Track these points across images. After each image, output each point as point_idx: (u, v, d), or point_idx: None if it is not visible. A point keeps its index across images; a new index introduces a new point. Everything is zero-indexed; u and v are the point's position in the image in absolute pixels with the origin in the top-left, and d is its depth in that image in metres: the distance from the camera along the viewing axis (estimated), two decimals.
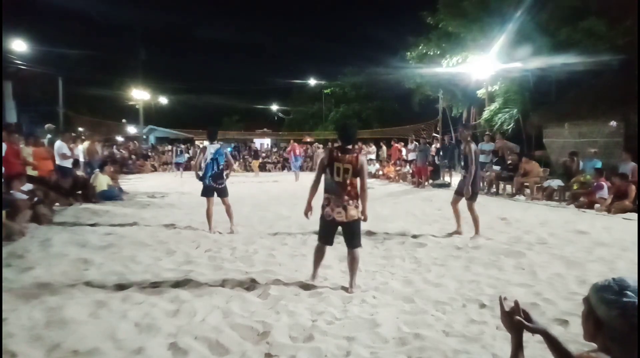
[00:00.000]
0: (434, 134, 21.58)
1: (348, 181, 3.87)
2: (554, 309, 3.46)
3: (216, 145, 6.48)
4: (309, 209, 4.07)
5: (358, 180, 3.93)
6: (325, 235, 4.07)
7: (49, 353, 2.77)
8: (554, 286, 4.06)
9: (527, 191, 11.07)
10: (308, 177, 18.50)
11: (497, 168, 12.43)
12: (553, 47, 14.17)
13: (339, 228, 4.01)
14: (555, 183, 10.50)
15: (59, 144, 10.17)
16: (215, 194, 6.49)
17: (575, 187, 9.82)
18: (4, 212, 6.32)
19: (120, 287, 4.00)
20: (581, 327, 1.39)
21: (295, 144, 19.28)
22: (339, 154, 3.90)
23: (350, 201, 3.88)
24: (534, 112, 15.45)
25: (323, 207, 3.97)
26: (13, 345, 2.83)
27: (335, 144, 4.20)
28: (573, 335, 2.98)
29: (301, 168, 19.00)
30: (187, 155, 22.12)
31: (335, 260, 4.99)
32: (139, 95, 29.47)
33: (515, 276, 4.41)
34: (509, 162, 12.04)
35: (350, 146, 3.99)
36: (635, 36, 11.12)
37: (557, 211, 8.86)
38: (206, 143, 6.64)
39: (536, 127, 15.16)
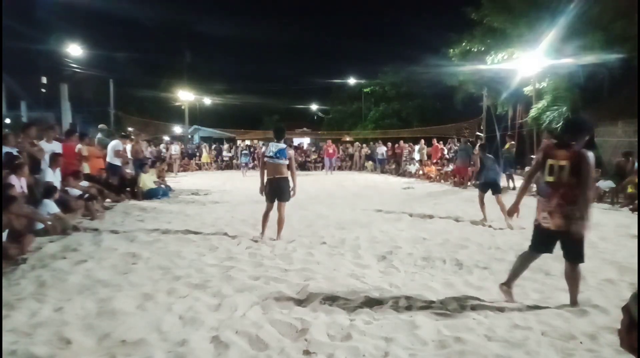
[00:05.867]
0: (477, 133, 20.96)
1: (563, 182, 3.28)
2: (604, 317, 3.29)
3: (281, 144, 5.78)
4: (515, 210, 3.73)
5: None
6: (534, 241, 3.58)
7: (100, 341, 2.93)
8: (604, 292, 3.87)
9: None
10: (339, 174, 18.65)
11: None
12: (606, 42, 13.46)
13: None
14: (607, 184, 9.98)
15: (115, 142, 10.54)
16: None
17: (629, 189, 9.28)
18: (59, 208, 6.73)
19: (166, 281, 4.16)
20: (620, 337, 1.30)
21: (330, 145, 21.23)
22: (554, 150, 3.37)
23: (560, 208, 3.28)
24: (584, 110, 14.73)
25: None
26: (68, 333, 3.01)
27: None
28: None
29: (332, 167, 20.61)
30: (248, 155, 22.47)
31: (374, 260, 4.98)
32: (184, 96, 30.55)
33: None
34: None
35: (572, 141, 3.32)
36: None
37: (609, 214, 8.41)
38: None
39: None
